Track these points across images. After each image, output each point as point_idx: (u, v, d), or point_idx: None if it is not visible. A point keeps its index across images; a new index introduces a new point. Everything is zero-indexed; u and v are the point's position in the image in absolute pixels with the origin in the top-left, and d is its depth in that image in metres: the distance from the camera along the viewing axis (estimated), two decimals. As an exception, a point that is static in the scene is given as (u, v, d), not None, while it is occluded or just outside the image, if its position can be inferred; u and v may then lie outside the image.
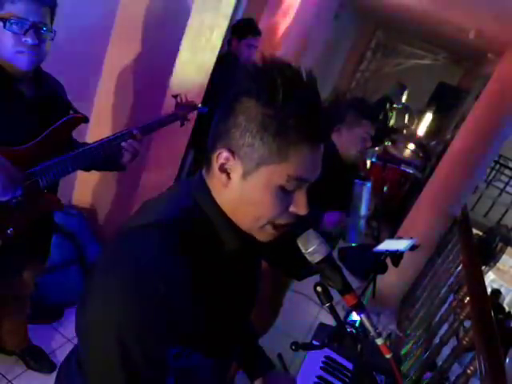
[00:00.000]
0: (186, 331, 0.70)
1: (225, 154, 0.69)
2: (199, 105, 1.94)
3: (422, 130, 7.03)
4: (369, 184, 1.79)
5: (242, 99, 0.68)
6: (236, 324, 0.88)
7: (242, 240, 0.76)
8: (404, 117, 6.14)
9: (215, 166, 0.71)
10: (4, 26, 1.18)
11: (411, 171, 4.92)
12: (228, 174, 0.70)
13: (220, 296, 0.76)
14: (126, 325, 0.64)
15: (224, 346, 0.85)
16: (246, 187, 0.70)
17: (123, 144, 1.48)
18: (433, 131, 7.03)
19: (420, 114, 7.15)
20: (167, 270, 0.66)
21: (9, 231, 1.31)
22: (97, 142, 1.44)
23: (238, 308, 0.85)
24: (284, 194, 0.70)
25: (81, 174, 2.48)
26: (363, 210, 1.86)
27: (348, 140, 1.85)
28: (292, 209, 0.73)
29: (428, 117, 6.84)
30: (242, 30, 2.77)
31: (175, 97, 1.82)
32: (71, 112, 1.44)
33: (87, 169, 1.50)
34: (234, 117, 0.68)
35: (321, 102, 0.70)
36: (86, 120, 1.44)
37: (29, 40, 1.20)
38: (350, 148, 1.86)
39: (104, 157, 1.45)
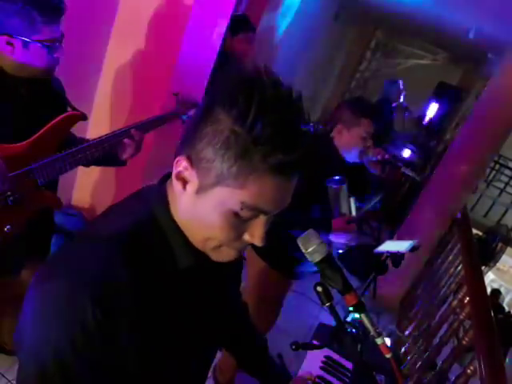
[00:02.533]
0: (135, 358, 0.65)
1: (184, 162, 0.63)
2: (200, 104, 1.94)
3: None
4: (344, 186, 1.79)
5: (214, 107, 0.61)
6: (196, 346, 0.80)
7: (198, 257, 0.70)
8: (403, 116, 6.13)
9: (173, 171, 0.65)
10: (49, 51, 1.26)
11: (409, 173, 4.91)
12: (184, 184, 0.65)
13: (172, 318, 0.70)
14: (48, 348, 0.60)
15: (184, 363, 0.78)
16: (198, 203, 0.64)
17: (125, 140, 1.49)
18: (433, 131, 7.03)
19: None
20: (108, 290, 0.60)
21: (6, 229, 1.30)
22: (96, 138, 1.44)
23: (195, 329, 0.76)
24: (238, 221, 0.64)
25: (81, 174, 2.48)
26: (344, 210, 1.85)
27: (348, 140, 1.85)
28: (246, 237, 0.67)
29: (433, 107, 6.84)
30: (234, 26, 2.73)
31: (176, 95, 1.82)
32: (69, 109, 1.44)
33: (86, 164, 1.50)
34: (203, 124, 0.61)
35: (298, 130, 0.60)
36: (84, 117, 1.44)
37: (58, 56, 1.30)
38: (351, 148, 1.86)
39: (103, 153, 1.45)
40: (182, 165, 0.64)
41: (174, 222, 0.68)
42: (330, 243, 1.87)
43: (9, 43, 1.22)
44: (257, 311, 1.97)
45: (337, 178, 1.77)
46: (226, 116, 0.59)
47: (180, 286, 0.70)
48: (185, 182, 0.64)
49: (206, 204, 0.63)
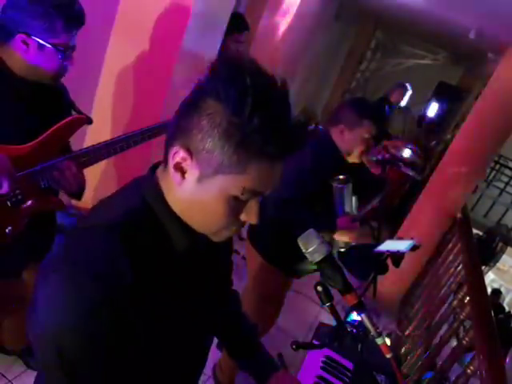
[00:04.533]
0: (134, 333, 0.67)
1: (182, 153, 0.66)
2: None
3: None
4: (349, 185, 1.80)
5: (208, 99, 0.64)
6: (198, 322, 0.84)
7: (192, 240, 0.74)
8: (403, 117, 6.13)
9: (170, 162, 0.68)
10: (62, 57, 1.27)
11: (410, 173, 4.91)
12: (183, 174, 0.68)
13: (171, 299, 0.73)
14: (62, 327, 0.62)
15: (184, 350, 0.82)
16: (199, 191, 0.68)
17: (54, 173, 1.31)
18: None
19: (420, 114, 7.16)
20: (110, 273, 0.63)
21: (7, 230, 1.31)
22: (101, 143, 1.43)
23: (193, 309, 0.80)
24: (237, 204, 0.69)
25: (81, 174, 2.47)
26: (348, 209, 1.85)
27: (350, 141, 1.85)
28: (243, 217, 0.71)
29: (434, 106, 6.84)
30: (228, 26, 2.73)
31: None
32: (74, 113, 1.44)
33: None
34: (197, 116, 0.64)
35: (290, 119, 0.66)
36: (89, 121, 1.44)
37: (69, 64, 1.32)
38: (353, 149, 1.86)
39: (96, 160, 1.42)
40: (180, 156, 0.66)
41: (169, 208, 0.71)
42: (331, 242, 1.88)
43: (24, 42, 1.22)
44: (257, 310, 1.97)
45: (341, 176, 1.77)
46: (222, 108, 0.63)
47: (177, 268, 0.74)
48: (183, 172, 0.67)
49: (207, 191, 0.67)
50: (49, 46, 1.24)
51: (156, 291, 0.69)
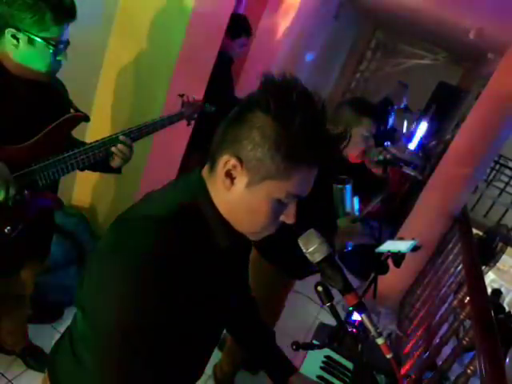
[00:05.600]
0: (182, 316, 0.76)
1: (233, 161, 0.73)
2: (206, 104, 1.92)
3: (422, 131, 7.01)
4: (350, 186, 1.79)
5: (257, 112, 0.72)
6: (224, 313, 0.96)
7: (233, 239, 0.82)
8: (404, 118, 6.13)
9: (221, 169, 0.75)
10: (53, 52, 1.25)
11: (411, 173, 4.91)
12: (232, 180, 0.75)
13: (210, 288, 0.82)
14: (124, 304, 0.70)
15: (212, 334, 0.96)
16: (247, 195, 0.75)
17: (112, 149, 1.45)
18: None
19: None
20: (163, 258, 0.70)
21: (6, 230, 1.31)
22: (98, 140, 1.44)
23: (227, 300, 0.92)
24: (279, 206, 0.77)
25: (81, 174, 2.47)
26: (348, 209, 1.85)
27: (350, 140, 1.84)
28: (282, 218, 0.80)
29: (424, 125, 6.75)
30: (236, 29, 2.74)
31: (181, 96, 1.81)
32: (72, 111, 1.44)
33: (82, 168, 1.47)
34: (247, 128, 0.72)
35: (327, 131, 0.75)
36: (86, 119, 1.43)
37: (62, 60, 1.30)
38: (353, 148, 1.85)
39: (95, 159, 1.43)
40: (231, 164, 0.74)
41: (215, 209, 0.79)
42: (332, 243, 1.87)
43: (14, 37, 1.21)
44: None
45: (342, 177, 1.77)
46: (271, 121, 0.71)
47: (216, 263, 0.82)
48: (233, 178, 0.75)
49: (254, 195, 0.75)
50: (39, 39, 1.22)
51: (197, 279, 0.77)
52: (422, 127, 6.30)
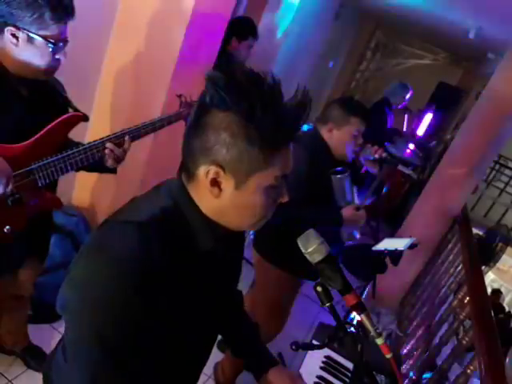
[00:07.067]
0: (161, 322, 0.75)
1: (214, 169, 0.72)
2: None
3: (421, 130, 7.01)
4: (348, 175, 1.81)
5: (214, 112, 0.71)
6: (209, 317, 0.93)
7: (221, 239, 0.82)
8: (403, 117, 6.12)
9: (203, 180, 0.74)
10: (52, 50, 1.25)
11: (408, 172, 4.89)
12: (219, 187, 0.75)
13: (192, 292, 0.81)
14: (103, 307, 0.69)
15: (198, 340, 0.92)
16: (239, 196, 0.75)
17: (106, 150, 1.44)
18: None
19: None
20: (144, 262, 0.70)
21: (6, 229, 1.30)
22: (96, 140, 1.44)
23: (207, 304, 0.89)
24: (273, 190, 0.78)
25: (80, 174, 2.47)
26: (349, 198, 1.86)
27: (339, 139, 1.85)
28: (277, 200, 0.81)
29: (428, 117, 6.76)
30: (243, 30, 2.75)
31: (179, 96, 1.81)
32: (70, 110, 1.44)
33: (77, 169, 1.45)
34: (213, 132, 0.71)
35: (285, 105, 0.73)
36: (85, 118, 1.43)
37: (62, 58, 1.30)
38: (343, 147, 1.86)
39: (94, 159, 1.42)
40: (212, 172, 0.73)
41: (198, 210, 0.78)
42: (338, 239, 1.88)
43: (13, 35, 1.20)
44: (266, 320, 1.93)
45: (339, 168, 1.79)
46: (235, 118, 0.70)
47: (198, 266, 0.81)
48: (219, 185, 0.75)
49: (246, 193, 0.75)
50: (38, 38, 1.22)
51: (179, 283, 0.76)
52: (427, 118, 6.34)
